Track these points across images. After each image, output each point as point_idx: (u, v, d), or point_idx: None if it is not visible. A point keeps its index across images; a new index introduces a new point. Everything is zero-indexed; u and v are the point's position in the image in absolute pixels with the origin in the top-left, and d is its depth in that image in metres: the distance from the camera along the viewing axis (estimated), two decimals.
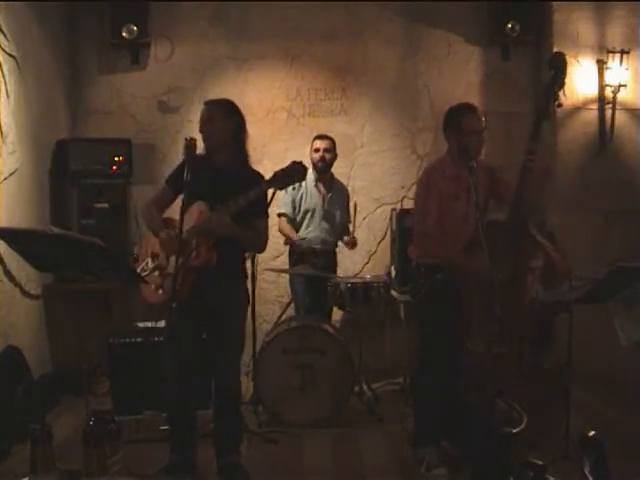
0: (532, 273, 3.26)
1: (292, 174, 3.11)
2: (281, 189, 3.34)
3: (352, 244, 4.81)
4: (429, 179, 3.46)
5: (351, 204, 5.03)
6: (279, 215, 4.75)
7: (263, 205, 3.30)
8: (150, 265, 3.23)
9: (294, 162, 3.14)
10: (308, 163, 4.66)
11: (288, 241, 4.80)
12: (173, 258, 3.09)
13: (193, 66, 5.36)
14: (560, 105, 3.28)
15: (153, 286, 3.19)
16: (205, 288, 3.13)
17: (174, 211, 3.33)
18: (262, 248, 3.44)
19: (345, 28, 5.38)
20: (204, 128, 3.24)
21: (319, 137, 4.77)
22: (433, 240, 3.37)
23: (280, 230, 4.79)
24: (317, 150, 4.70)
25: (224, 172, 3.20)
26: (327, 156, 4.72)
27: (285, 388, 4.14)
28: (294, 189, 4.62)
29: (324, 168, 4.75)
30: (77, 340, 4.67)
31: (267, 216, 3.36)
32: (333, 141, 4.76)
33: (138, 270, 3.20)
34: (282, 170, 3.11)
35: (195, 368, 3.29)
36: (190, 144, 3.09)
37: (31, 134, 4.53)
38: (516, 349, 3.26)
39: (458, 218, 3.31)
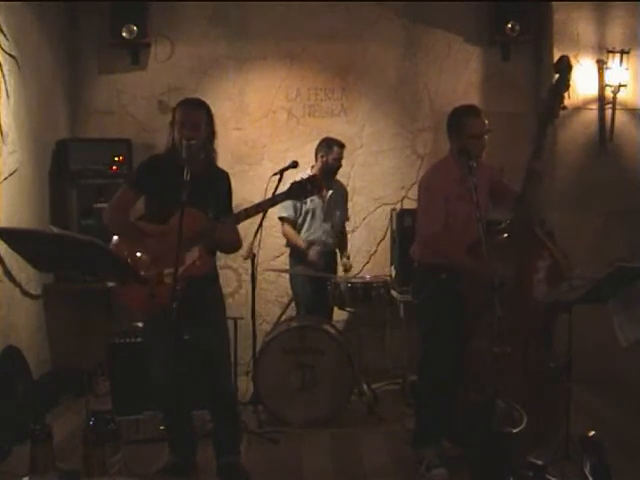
0: (538, 273, 3.26)
1: (310, 187, 3.13)
2: (298, 199, 3.35)
3: (348, 268, 4.91)
4: (433, 179, 3.45)
5: (350, 204, 5.06)
6: (280, 219, 4.75)
7: (259, 211, 3.26)
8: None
9: (310, 176, 3.20)
10: (308, 162, 4.70)
11: (291, 244, 4.80)
12: (168, 266, 3.06)
13: (193, 66, 5.36)
14: (565, 107, 3.28)
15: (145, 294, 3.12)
16: (194, 291, 3.08)
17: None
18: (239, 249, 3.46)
19: (345, 28, 5.38)
20: (191, 133, 3.10)
21: (339, 145, 4.74)
22: (440, 241, 3.36)
23: (285, 235, 4.79)
24: (337, 160, 4.74)
25: (198, 174, 3.08)
26: (341, 163, 4.81)
27: (285, 388, 4.14)
28: None
29: (336, 173, 4.82)
30: (77, 340, 4.66)
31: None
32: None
33: None
34: (299, 183, 3.13)
35: (191, 369, 3.27)
36: (191, 145, 3.08)
37: (31, 134, 4.53)
38: (520, 349, 3.26)
39: (462, 218, 3.30)
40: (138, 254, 3.14)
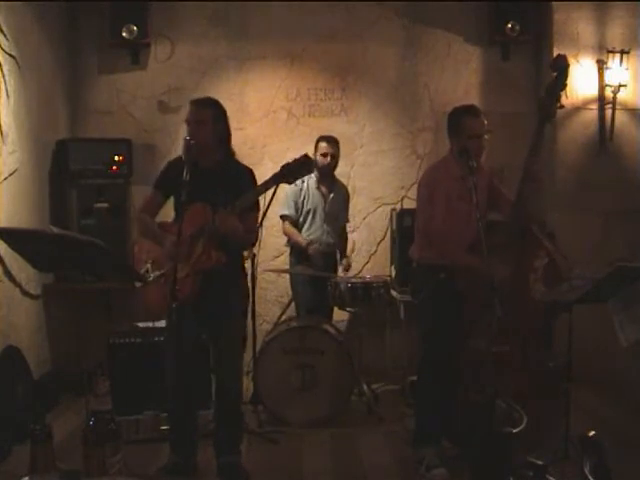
0: (535, 273, 3.27)
1: (300, 168, 3.10)
2: (290, 183, 3.29)
3: (347, 268, 4.88)
4: (434, 179, 3.44)
5: (350, 204, 5.05)
6: (282, 217, 4.73)
7: (255, 198, 3.24)
8: (151, 272, 3.20)
9: (302, 156, 3.12)
10: None
11: (291, 243, 4.79)
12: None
13: (193, 66, 5.36)
14: (562, 106, 3.29)
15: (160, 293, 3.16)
16: (209, 289, 3.12)
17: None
18: (254, 243, 3.43)
19: (345, 28, 5.38)
20: (194, 130, 3.18)
21: (325, 140, 4.70)
22: (440, 241, 3.35)
23: (286, 233, 4.77)
24: (325, 155, 4.66)
25: (212, 171, 3.18)
26: (333, 161, 4.72)
27: (285, 388, 4.14)
28: (297, 185, 4.53)
29: (330, 172, 4.76)
30: (77, 340, 4.66)
31: (259, 209, 3.29)
32: (338, 142, 4.74)
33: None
34: (289, 165, 3.09)
35: (196, 368, 3.30)
36: (190, 145, 3.09)
37: (31, 134, 4.53)
38: (520, 348, 3.26)
39: (462, 218, 3.30)
40: (157, 253, 3.19)
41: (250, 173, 3.31)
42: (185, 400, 3.32)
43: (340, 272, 4.93)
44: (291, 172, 3.11)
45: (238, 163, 3.35)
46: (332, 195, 4.77)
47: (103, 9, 5.14)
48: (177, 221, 3.23)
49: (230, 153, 3.32)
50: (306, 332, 4.22)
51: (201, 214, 3.09)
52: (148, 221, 3.30)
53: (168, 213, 3.42)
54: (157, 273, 3.17)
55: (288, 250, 4.89)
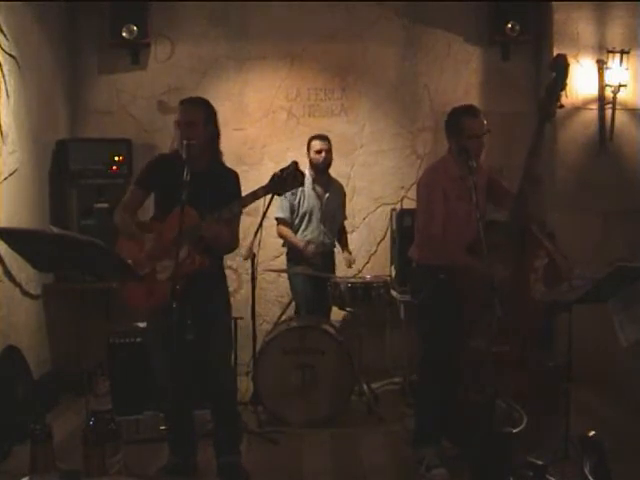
0: (535, 273, 3.27)
1: (290, 181, 3.05)
2: (279, 195, 3.23)
3: (352, 262, 4.86)
4: (432, 179, 3.44)
5: (349, 205, 5.04)
6: (277, 219, 4.73)
7: (241, 208, 3.18)
8: None
9: (290, 168, 3.06)
10: (306, 163, 4.69)
11: (288, 245, 4.79)
12: (161, 264, 3.08)
13: (193, 66, 5.37)
14: (562, 106, 3.29)
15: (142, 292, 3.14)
16: (193, 291, 3.08)
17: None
18: (235, 248, 3.40)
19: (345, 28, 5.38)
20: (185, 132, 3.11)
21: (318, 138, 4.72)
22: (439, 242, 3.35)
23: (280, 235, 4.77)
24: (319, 152, 4.66)
25: (201, 173, 3.12)
26: (328, 157, 4.72)
27: (285, 388, 4.14)
28: (292, 194, 4.54)
29: (325, 169, 4.75)
30: (77, 340, 4.66)
31: (241, 213, 3.25)
32: (329, 140, 4.76)
33: None
34: (279, 176, 3.04)
35: (190, 369, 3.28)
36: (190, 145, 3.08)
37: (31, 134, 4.53)
38: (520, 348, 3.26)
39: (462, 218, 3.30)
40: (137, 253, 3.16)
41: (236, 177, 3.29)
42: (181, 400, 3.31)
43: (340, 271, 4.93)
44: (280, 184, 3.05)
45: (224, 166, 3.31)
46: (328, 195, 4.76)
47: (103, 9, 5.14)
48: (157, 219, 3.21)
49: (219, 155, 3.28)
50: (306, 332, 4.22)
51: (186, 219, 3.01)
52: (126, 219, 3.23)
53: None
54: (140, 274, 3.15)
55: (285, 252, 4.88)
